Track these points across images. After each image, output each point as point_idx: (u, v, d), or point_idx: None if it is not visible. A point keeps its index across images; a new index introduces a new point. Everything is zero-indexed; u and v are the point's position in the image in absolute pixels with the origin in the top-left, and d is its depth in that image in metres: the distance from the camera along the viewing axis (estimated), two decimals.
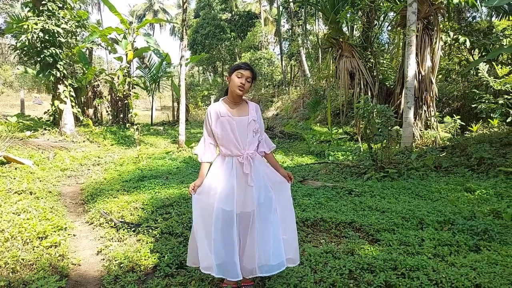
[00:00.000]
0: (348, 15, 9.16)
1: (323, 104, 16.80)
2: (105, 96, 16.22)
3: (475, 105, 8.39)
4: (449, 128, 9.22)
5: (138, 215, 4.51)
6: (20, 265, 3.17)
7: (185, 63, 18.77)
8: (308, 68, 25.43)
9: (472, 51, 10.64)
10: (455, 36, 9.38)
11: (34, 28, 9.34)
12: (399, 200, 5.04)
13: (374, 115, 6.66)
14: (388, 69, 13.48)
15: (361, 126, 9.09)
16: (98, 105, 16.20)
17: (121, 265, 3.25)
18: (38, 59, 9.99)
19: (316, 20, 24.44)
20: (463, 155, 6.99)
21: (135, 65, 17.80)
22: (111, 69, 16.44)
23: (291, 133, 13.06)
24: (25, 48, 10.00)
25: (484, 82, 8.08)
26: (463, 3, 8.45)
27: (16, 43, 10.32)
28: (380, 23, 11.05)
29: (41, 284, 2.82)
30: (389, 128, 6.35)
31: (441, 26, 9.34)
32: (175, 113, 18.90)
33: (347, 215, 4.41)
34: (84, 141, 10.80)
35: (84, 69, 14.41)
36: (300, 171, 7.31)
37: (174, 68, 18.75)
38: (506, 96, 7.43)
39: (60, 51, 10.18)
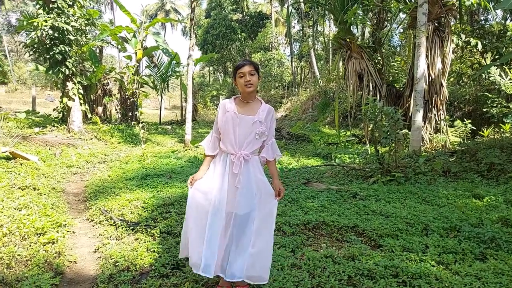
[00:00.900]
0: (359, 16, 9.02)
1: (332, 106, 16.65)
2: (115, 95, 16.30)
3: (487, 109, 8.20)
4: (459, 133, 9.02)
5: (138, 214, 4.47)
6: (16, 261, 3.14)
7: (193, 63, 18.86)
8: (318, 69, 25.27)
9: (485, 54, 10.42)
10: (467, 39, 9.19)
11: (44, 26, 9.41)
12: (404, 205, 4.92)
13: (382, 118, 6.53)
14: (399, 71, 13.29)
15: (369, 128, 8.95)
16: (107, 103, 16.29)
17: (117, 264, 3.21)
18: (48, 56, 10.07)
19: (328, 21, 24.32)
20: (473, 160, 6.82)
21: (144, 64, 17.86)
22: (122, 68, 16.50)
23: (299, 135, 12.94)
24: (35, 45, 10.09)
25: (496, 86, 7.89)
26: (475, 5, 8.26)
27: (26, 40, 10.42)
28: (390, 24, 10.88)
29: (34, 281, 2.78)
30: (397, 131, 6.22)
31: (452, 28, 9.16)
32: (184, 112, 18.91)
33: (350, 219, 4.31)
34: (91, 139, 10.86)
35: (94, 67, 14.49)
36: (305, 173, 7.21)
37: (183, 67, 18.76)
38: None
39: (69, 48, 10.25)
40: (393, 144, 6.40)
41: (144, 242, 3.67)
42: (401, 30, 16.62)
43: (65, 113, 11.29)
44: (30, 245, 3.45)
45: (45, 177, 6.40)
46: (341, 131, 12.52)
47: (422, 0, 7.73)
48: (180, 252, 2.81)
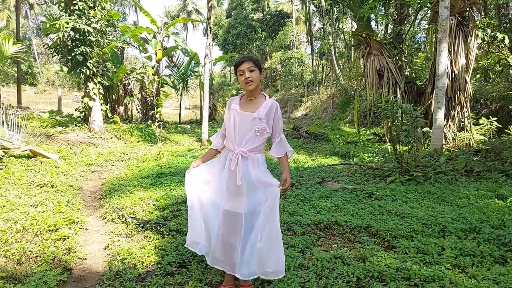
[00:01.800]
0: (377, 11, 8.80)
1: (353, 104, 16.38)
2: (136, 94, 16.57)
3: None
4: (484, 131, 8.67)
5: (149, 212, 4.49)
6: (26, 257, 3.20)
7: (212, 62, 18.94)
8: (339, 67, 24.92)
9: None
10: (493, 33, 8.81)
11: (65, 27, 9.65)
12: (422, 205, 4.74)
13: (400, 115, 6.34)
14: (423, 68, 12.91)
15: (389, 126, 8.72)
16: (129, 103, 16.57)
17: (124, 261, 3.22)
18: (69, 57, 10.32)
19: (349, 18, 23.93)
20: (497, 159, 6.53)
21: (164, 64, 18.08)
22: (139, 67, 16.76)
23: (317, 134, 12.78)
24: (58, 47, 10.36)
25: None
26: None
27: (49, 42, 10.71)
28: (412, 19, 10.57)
29: (41, 277, 2.82)
30: (416, 129, 6.01)
31: (477, 22, 8.80)
32: (202, 111, 19.05)
33: (364, 219, 4.19)
34: (111, 138, 11.06)
35: (115, 67, 14.77)
36: (321, 172, 7.09)
37: (202, 67, 18.88)
38: None
39: (90, 49, 10.47)
40: (412, 143, 6.20)
41: (153, 240, 3.68)
42: (426, 26, 16.17)
43: (86, 112, 11.56)
44: (42, 242, 3.51)
45: (64, 175, 6.54)
46: (362, 129, 12.28)
47: None
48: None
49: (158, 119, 10.47)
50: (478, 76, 12.23)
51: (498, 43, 9.63)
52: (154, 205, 4.71)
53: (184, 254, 3.25)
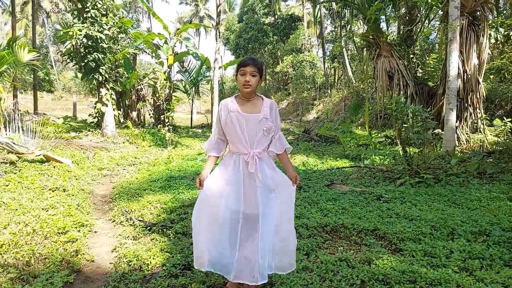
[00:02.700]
0: (385, 12, 8.73)
1: (365, 106, 16.24)
2: (148, 100, 16.79)
3: None
4: (498, 132, 8.49)
5: (157, 215, 4.54)
6: (35, 259, 3.26)
7: (222, 67, 19.06)
8: (351, 70, 24.78)
9: None
10: (506, 33, 8.65)
11: (78, 35, 9.87)
12: (432, 207, 4.67)
13: (410, 117, 6.26)
14: (436, 69, 12.74)
15: (399, 128, 8.61)
16: (141, 108, 16.79)
17: (130, 263, 3.25)
18: (82, 64, 10.54)
19: (360, 20, 23.79)
20: (511, 161, 6.39)
21: (175, 69, 18.29)
22: (150, 72, 16.98)
23: (328, 136, 12.71)
24: (71, 54, 10.60)
25: None
26: None
27: (63, 49, 10.98)
28: (423, 19, 10.45)
29: (47, 278, 2.87)
30: (426, 130, 5.93)
31: (490, 22, 8.65)
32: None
33: (371, 221, 4.14)
34: (123, 142, 11.22)
35: (128, 73, 15.00)
36: (330, 175, 7.04)
37: (213, 72, 19.03)
38: None
39: (103, 56, 10.68)
40: (422, 145, 6.12)
41: (159, 242, 3.71)
42: (438, 26, 15.96)
43: (99, 118, 11.76)
44: (51, 244, 3.58)
45: (76, 179, 6.66)
46: (373, 132, 12.16)
47: None
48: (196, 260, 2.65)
49: (168, 123, 10.57)
50: (492, 76, 11.99)
51: None
52: (162, 208, 4.75)
53: (189, 256, 3.27)
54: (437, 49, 16.41)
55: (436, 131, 7.67)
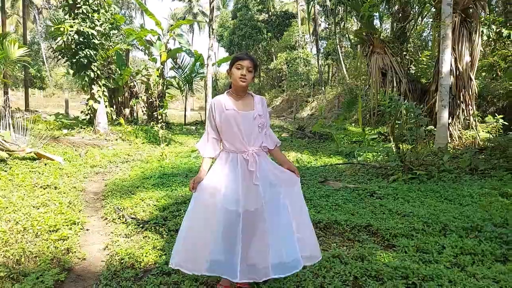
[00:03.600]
0: (378, 9, 8.74)
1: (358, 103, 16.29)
2: (141, 97, 16.66)
3: None
4: (490, 128, 8.55)
5: (149, 212, 4.51)
6: (25, 257, 3.22)
7: (216, 64, 18.99)
8: (345, 67, 24.83)
9: None
10: (498, 30, 8.70)
11: (70, 31, 9.75)
12: (424, 203, 4.70)
13: (403, 114, 6.29)
14: (429, 66, 12.80)
15: (392, 125, 8.65)
16: (134, 105, 16.67)
17: (122, 261, 3.23)
18: (74, 60, 10.43)
19: (354, 17, 23.81)
20: (503, 157, 6.44)
21: (169, 66, 18.17)
22: (142, 69, 16.86)
23: (322, 133, 12.73)
24: (62, 50, 10.47)
25: None
26: None
27: (54, 45, 10.85)
28: (416, 16, 10.48)
29: (37, 276, 2.84)
30: (418, 127, 5.96)
31: (482, 19, 8.70)
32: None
33: (364, 218, 4.16)
34: (116, 139, 11.13)
35: (120, 70, 14.87)
36: (324, 171, 7.05)
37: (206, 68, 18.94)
38: None
39: (95, 52, 10.57)
40: (414, 141, 6.14)
41: (152, 240, 3.69)
42: (431, 23, 16.04)
43: (92, 115, 11.66)
44: (41, 242, 3.54)
45: (68, 176, 6.59)
46: (367, 129, 12.20)
47: None
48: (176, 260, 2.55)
49: (162, 120, 10.52)
50: (484, 74, 12.08)
51: (504, 40, 9.51)
52: (155, 205, 4.72)
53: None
54: (430, 46, 16.49)
55: (429, 127, 7.71)
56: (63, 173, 6.69)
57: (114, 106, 15.58)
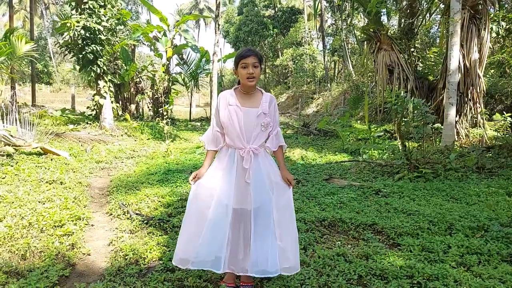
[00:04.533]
0: (385, 5, 8.65)
1: (364, 100, 16.18)
2: (147, 92, 16.70)
3: None
4: (498, 127, 8.46)
5: (154, 208, 4.52)
6: (30, 252, 3.24)
7: (222, 60, 18.94)
8: (352, 63, 24.67)
9: None
10: (507, 26, 8.58)
11: (76, 26, 9.78)
12: (430, 202, 4.66)
13: (410, 111, 6.23)
14: (437, 63, 12.67)
15: (398, 123, 8.58)
16: (140, 101, 16.71)
17: (126, 257, 3.24)
18: (80, 55, 10.46)
19: (361, 13, 23.62)
20: (510, 155, 6.38)
21: (174, 62, 18.18)
22: (148, 64, 16.89)
23: (327, 131, 12.68)
24: (69, 45, 10.51)
25: None
26: None
27: (60, 41, 10.88)
28: (424, 13, 10.37)
29: (42, 272, 2.86)
30: (425, 125, 5.90)
31: (491, 15, 8.58)
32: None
33: (369, 216, 4.13)
34: (122, 135, 11.17)
35: (126, 66, 14.90)
36: (329, 169, 7.02)
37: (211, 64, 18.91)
38: None
39: (101, 48, 10.59)
40: (421, 139, 6.09)
41: (156, 236, 3.69)
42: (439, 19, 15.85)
43: (97, 110, 11.71)
44: (46, 237, 3.55)
45: (73, 172, 6.63)
46: (373, 126, 12.12)
47: None
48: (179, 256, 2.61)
49: (167, 116, 10.53)
50: (492, 71, 11.94)
51: None
52: (160, 201, 4.73)
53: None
54: (438, 43, 16.31)
55: (436, 125, 7.64)
56: (68, 169, 6.73)
57: (120, 102, 15.64)
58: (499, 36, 9.41)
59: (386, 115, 13.34)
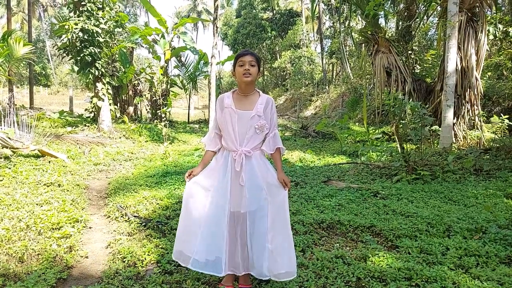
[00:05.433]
0: (383, 7, 8.69)
1: (362, 103, 16.24)
2: (145, 95, 16.69)
3: None
4: (496, 129, 8.49)
5: (152, 210, 4.51)
6: (28, 255, 3.23)
7: (220, 62, 18.95)
8: (350, 66, 24.74)
9: None
10: (504, 29, 8.62)
11: (74, 28, 9.77)
12: (428, 204, 4.66)
13: (408, 113, 6.25)
14: (434, 66, 12.73)
15: (396, 125, 8.60)
16: (138, 103, 16.70)
17: (124, 260, 3.23)
18: (78, 58, 10.45)
19: (359, 16, 23.71)
20: (508, 157, 6.39)
21: (173, 64, 18.18)
22: (147, 67, 16.91)
23: (326, 133, 12.70)
24: (67, 48, 10.50)
25: None
26: None
27: (58, 43, 10.88)
28: (422, 15, 10.41)
29: (39, 275, 2.84)
30: (423, 127, 5.92)
31: (488, 18, 8.62)
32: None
33: (368, 218, 4.14)
34: (120, 137, 11.15)
35: (125, 68, 14.89)
36: (327, 171, 7.03)
37: (210, 67, 18.93)
38: None
39: (99, 50, 10.58)
40: (420, 141, 6.10)
41: (154, 238, 3.68)
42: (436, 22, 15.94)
43: (96, 113, 11.69)
44: (44, 240, 3.54)
45: (71, 174, 6.61)
46: (371, 128, 12.15)
47: None
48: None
49: (165, 118, 10.53)
50: (490, 73, 11.99)
51: (510, 39, 9.42)
52: (158, 204, 4.72)
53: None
54: (435, 46, 16.38)
55: (434, 127, 7.66)
56: (66, 171, 6.71)
57: (118, 104, 15.63)
58: (496, 39, 9.44)
59: (384, 117, 13.40)
